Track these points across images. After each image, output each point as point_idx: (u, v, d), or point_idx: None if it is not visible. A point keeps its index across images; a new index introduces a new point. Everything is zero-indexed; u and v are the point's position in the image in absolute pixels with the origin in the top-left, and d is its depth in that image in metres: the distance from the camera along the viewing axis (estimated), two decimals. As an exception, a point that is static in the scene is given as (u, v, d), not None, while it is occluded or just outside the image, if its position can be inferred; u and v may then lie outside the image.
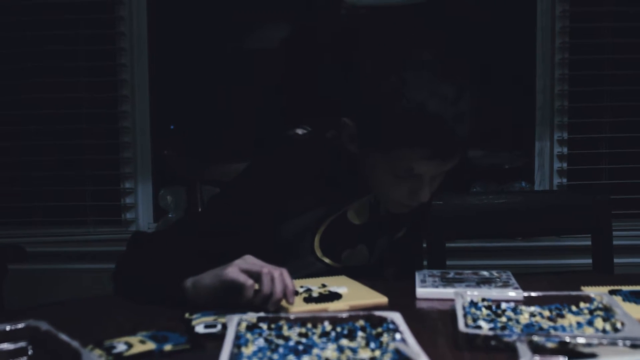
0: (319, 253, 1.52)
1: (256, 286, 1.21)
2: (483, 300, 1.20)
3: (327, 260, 1.53)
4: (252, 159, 1.55)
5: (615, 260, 1.93)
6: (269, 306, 1.20)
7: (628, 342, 0.94)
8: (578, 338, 0.94)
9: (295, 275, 1.42)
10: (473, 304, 1.19)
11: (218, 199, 1.53)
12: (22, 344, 1.01)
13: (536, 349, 0.93)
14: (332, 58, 1.35)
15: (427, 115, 1.29)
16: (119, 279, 1.41)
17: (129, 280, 1.39)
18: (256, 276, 1.21)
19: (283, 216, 1.48)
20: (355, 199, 1.53)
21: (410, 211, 1.53)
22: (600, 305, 1.17)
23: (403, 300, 1.29)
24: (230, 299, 1.22)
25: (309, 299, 1.26)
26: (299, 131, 1.58)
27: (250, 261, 1.24)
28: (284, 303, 1.21)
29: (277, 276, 1.20)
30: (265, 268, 1.21)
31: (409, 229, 1.66)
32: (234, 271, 1.21)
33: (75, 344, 0.95)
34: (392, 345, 0.96)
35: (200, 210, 1.84)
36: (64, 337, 0.97)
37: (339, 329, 1.05)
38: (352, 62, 1.43)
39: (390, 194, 1.44)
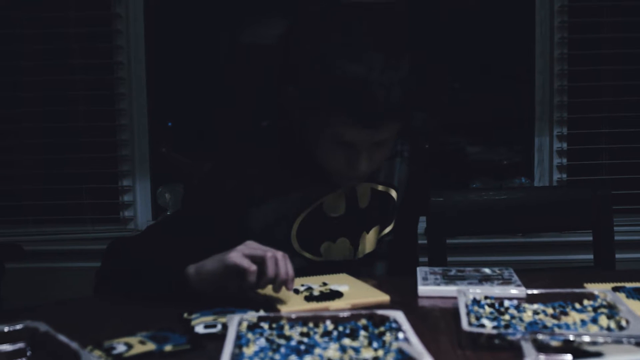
0: (296, 246, 1.52)
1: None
2: (486, 298, 1.19)
3: (305, 254, 1.53)
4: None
5: (617, 256, 1.92)
6: (274, 289, 1.22)
7: (633, 340, 0.93)
8: (583, 336, 0.93)
9: None
10: (476, 301, 1.17)
11: (187, 195, 1.57)
12: (20, 345, 1.00)
13: (541, 347, 0.92)
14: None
15: (349, 80, 1.31)
16: (105, 274, 1.43)
17: (119, 274, 1.39)
18: (260, 260, 1.22)
19: (251, 202, 1.49)
20: (328, 189, 1.53)
21: (387, 205, 1.58)
22: (604, 303, 1.16)
23: (405, 298, 1.28)
24: (234, 284, 1.23)
25: (310, 298, 1.25)
26: (264, 123, 1.61)
27: (252, 246, 1.25)
28: (282, 294, 1.23)
29: (281, 258, 1.22)
30: (269, 252, 1.22)
31: (400, 225, 1.64)
32: (237, 256, 1.22)
33: (74, 345, 0.94)
34: (395, 345, 0.95)
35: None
36: (63, 338, 0.96)
37: (341, 329, 1.04)
38: (295, 33, 1.46)
39: (331, 165, 1.45)
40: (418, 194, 1.70)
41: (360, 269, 1.57)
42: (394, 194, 1.62)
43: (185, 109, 3.32)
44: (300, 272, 1.44)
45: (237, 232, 1.46)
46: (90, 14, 2.96)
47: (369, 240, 1.60)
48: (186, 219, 1.51)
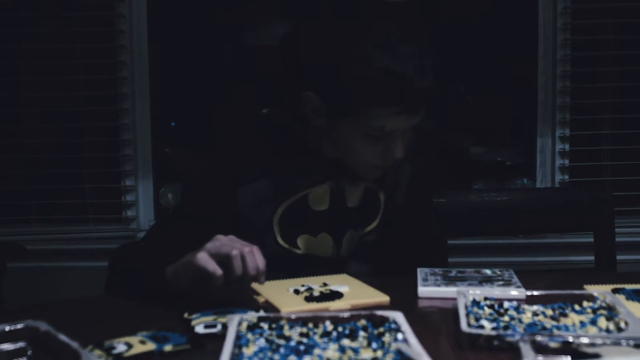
0: (277, 233, 1.52)
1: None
2: (485, 299, 1.19)
3: (281, 242, 1.53)
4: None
5: (618, 257, 1.92)
6: (243, 285, 1.22)
7: (632, 342, 0.93)
8: (581, 338, 0.93)
9: None
10: (475, 303, 1.18)
11: (184, 186, 1.64)
12: (21, 344, 1.00)
13: (539, 348, 0.92)
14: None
15: (392, 74, 1.33)
16: (108, 283, 1.45)
17: (118, 282, 1.42)
18: (225, 259, 1.20)
19: (239, 182, 1.50)
20: (315, 181, 1.53)
21: (373, 201, 1.59)
22: (604, 304, 1.16)
23: (405, 299, 1.28)
24: (204, 285, 1.21)
25: (310, 298, 1.25)
26: (264, 110, 1.62)
27: (219, 242, 1.22)
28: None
29: (247, 254, 1.20)
30: (234, 250, 1.19)
31: (404, 225, 1.64)
32: (203, 258, 1.20)
33: (74, 344, 0.94)
34: (394, 346, 0.95)
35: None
36: (63, 337, 0.96)
37: (340, 329, 1.04)
38: (311, 35, 1.44)
39: (363, 159, 1.46)
40: (422, 193, 1.70)
41: (343, 268, 1.57)
42: (381, 195, 1.62)
43: (189, 108, 3.32)
44: (278, 261, 1.43)
45: (226, 213, 1.49)
46: (94, 14, 2.97)
47: (354, 238, 1.60)
48: (182, 212, 1.54)
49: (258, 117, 1.61)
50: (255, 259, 1.21)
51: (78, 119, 3.01)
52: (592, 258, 1.95)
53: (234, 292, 1.28)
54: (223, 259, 1.20)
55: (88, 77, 3.01)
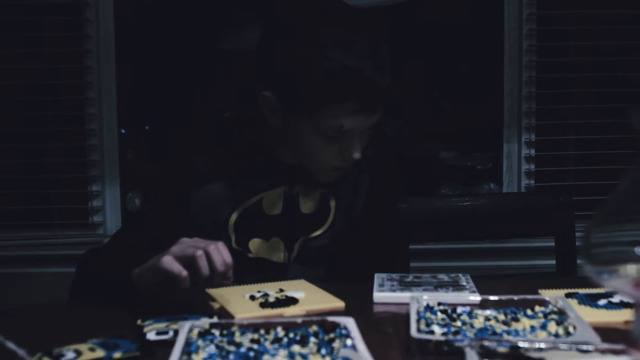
0: (232, 237, 1.53)
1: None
2: (439, 304, 1.20)
3: (235, 246, 1.54)
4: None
5: (579, 262, 1.93)
6: (214, 283, 1.24)
7: (580, 347, 0.94)
8: (528, 342, 0.94)
9: None
10: (429, 308, 1.18)
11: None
12: (-32, 352, 0.99)
13: (487, 353, 0.92)
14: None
15: (348, 70, 1.34)
16: (73, 287, 1.45)
17: (84, 286, 1.42)
18: (191, 260, 1.21)
19: (192, 182, 1.51)
20: (271, 185, 1.54)
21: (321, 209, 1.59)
22: (555, 309, 1.17)
23: (360, 304, 1.28)
24: (171, 287, 1.22)
25: (265, 304, 1.25)
26: (227, 114, 1.62)
27: (184, 245, 1.24)
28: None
29: (212, 250, 1.21)
30: (198, 250, 1.21)
31: (337, 232, 1.64)
32: (168, 261, 1.21)
33: (21, 352, 0.94)
34: (341, 352, 0.95)
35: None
36: (11, 345, 0.96)
37: (291, 335, 1.04)
38: (267, 34, 1.46)
39: (320, 160, 1.47)
40: (381, 203, 1.70)
41: (292, 272, 1.58)
42: (332, 200, 1.62)
43: (159, 113, 3.31)
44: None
45: (182, 214, 1.50)
46: (60, 19, 2.95)
47: (303, 244, 1.61)
48: (142, 215, 1.56)
49: (215, 119, 1.61)
50: (221, 253, 1.22)
51: (44, 124, 2.99)
52: (554, 262, 1.97)
53: (189, 297, 1.28)
54: (188, 261, 1.21)
55: (54, 82, 2.99)
